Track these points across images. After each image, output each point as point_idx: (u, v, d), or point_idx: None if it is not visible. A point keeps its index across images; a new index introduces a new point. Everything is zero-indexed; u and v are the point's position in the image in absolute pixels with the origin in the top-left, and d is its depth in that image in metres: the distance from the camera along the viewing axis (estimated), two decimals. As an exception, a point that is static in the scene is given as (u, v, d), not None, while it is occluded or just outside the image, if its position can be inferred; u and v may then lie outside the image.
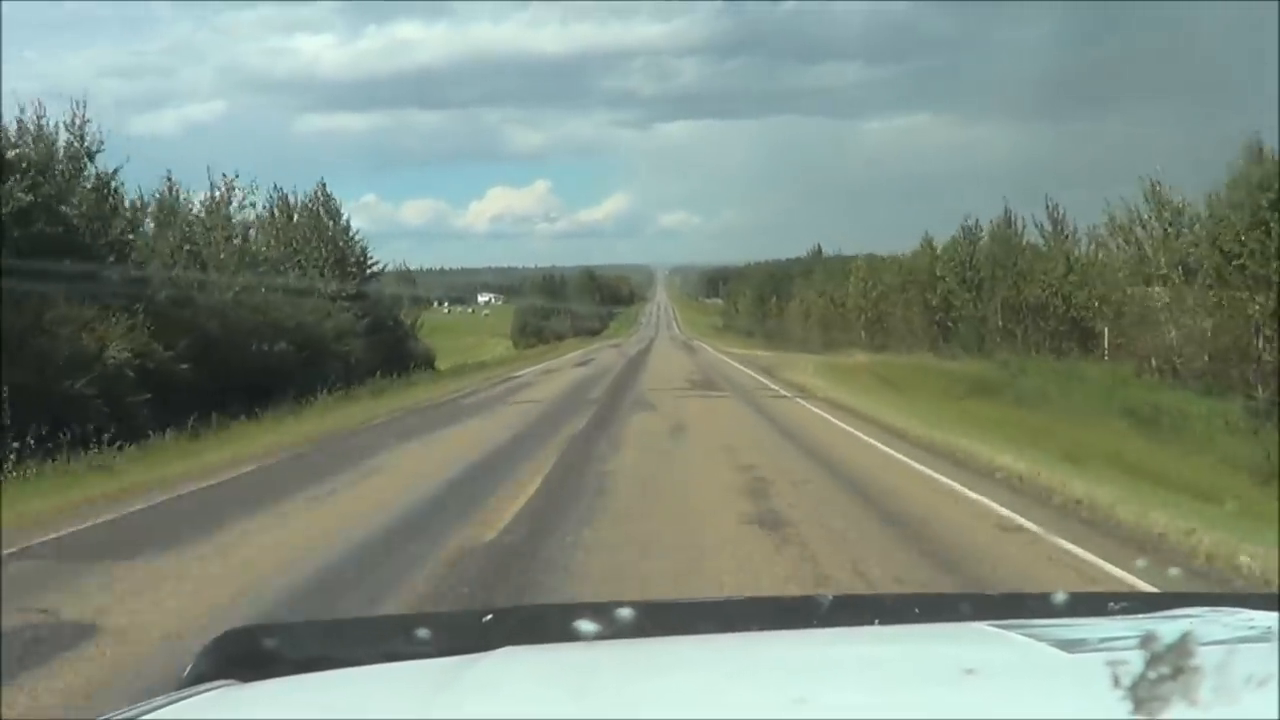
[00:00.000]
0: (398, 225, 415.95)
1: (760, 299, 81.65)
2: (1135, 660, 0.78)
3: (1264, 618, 1.24)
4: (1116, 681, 0.77)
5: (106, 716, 1.12)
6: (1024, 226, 39.58)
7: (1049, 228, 37.92)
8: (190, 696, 1.17)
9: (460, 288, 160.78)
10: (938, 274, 41.91)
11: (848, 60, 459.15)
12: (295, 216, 36.11)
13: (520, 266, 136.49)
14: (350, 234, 36.98)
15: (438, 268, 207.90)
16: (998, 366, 28.83)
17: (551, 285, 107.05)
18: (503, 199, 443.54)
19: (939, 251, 43.89)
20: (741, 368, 36.34)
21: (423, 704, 1.01)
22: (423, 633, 1.31)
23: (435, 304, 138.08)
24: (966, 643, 1.24)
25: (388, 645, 1.29)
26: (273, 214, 35.43)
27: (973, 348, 35.53)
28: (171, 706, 1.13)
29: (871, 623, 1.39)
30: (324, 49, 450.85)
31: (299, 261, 34.68)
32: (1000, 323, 37.01)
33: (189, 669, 1.29)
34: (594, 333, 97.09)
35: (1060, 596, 1.41)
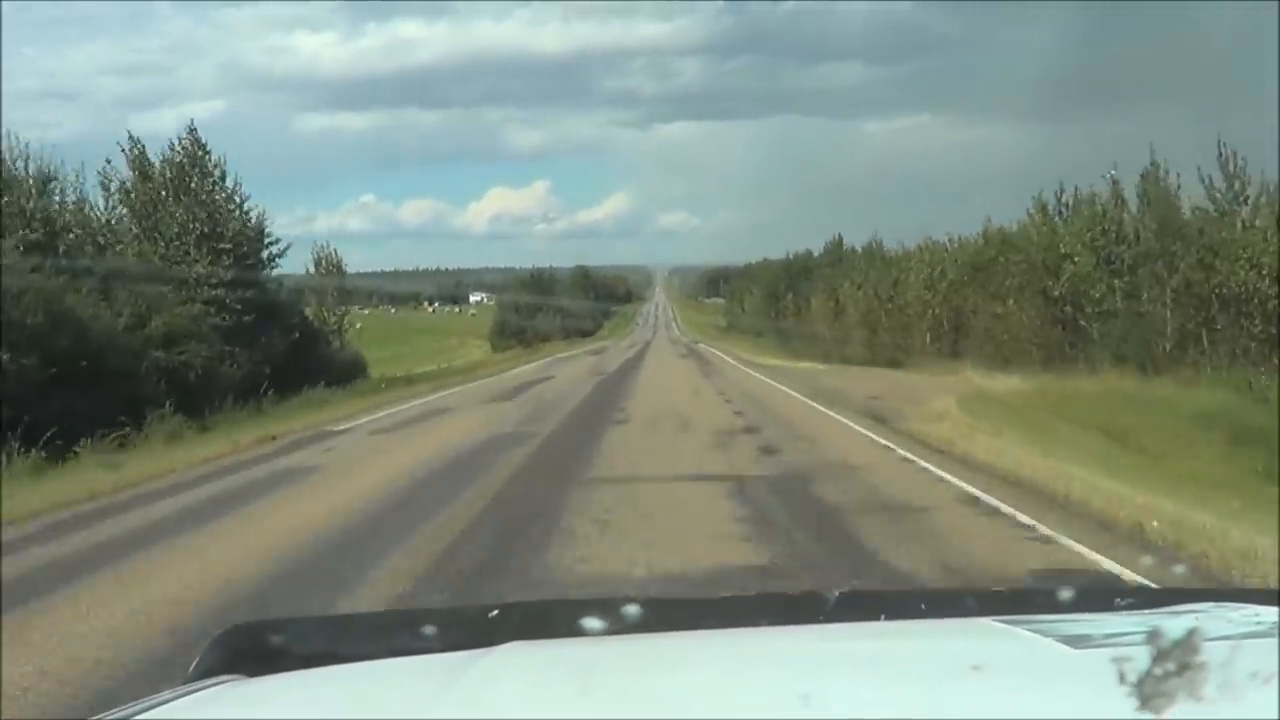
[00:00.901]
0: (397, 225, 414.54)
1: (773, 296, 68.94)
2: (1141, 656, 0.78)
3: (1269, 613, 1.23)
4: (1123, 677, 0.78)
5: (114, 712, 1.11)
6: (1178, 184, 26.95)
7: (1219, 184, 25.60)
8: (196, 691, 1.17)
9: (454, 288, 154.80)
10: (1063, 251, 28.79)
11: (848, 60, 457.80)
12: (161, 173, 26.21)
13: (518, 267, 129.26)
14: (236, 197, 27.28)
15: (434, 268, 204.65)
16: (1247, 396, 17.01)
17: (540, 283, 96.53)
18: (502, 199, 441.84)
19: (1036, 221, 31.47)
20: (814, 405, 19.72)
21: (428, 699, 1.02)
22: (428, 628, 1.31)
23: (425, 304, 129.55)
24: (973, 638, 1.25)
25: (393, 640, 1.29)
26: (133, 169, 26.37)
27: (1138, 358, 23.68)
28: (177, 701, 1.13)
29: (877, 618, 1.39)
30: (324, 47, 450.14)
31: (153, 233, 25.58)
32: (1170, 319, 24.73)
33: (195, 664, 1.29)
34: (586, 333, 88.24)
35: (1066, 593, 1.40)
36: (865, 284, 46.54)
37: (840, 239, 62.62)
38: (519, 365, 42.01)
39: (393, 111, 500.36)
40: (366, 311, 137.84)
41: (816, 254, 66.74)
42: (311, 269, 37.48)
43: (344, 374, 28.82)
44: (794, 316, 59.85)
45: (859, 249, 55.43)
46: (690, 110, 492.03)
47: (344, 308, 38.16)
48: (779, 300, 66.03)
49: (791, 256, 70.13)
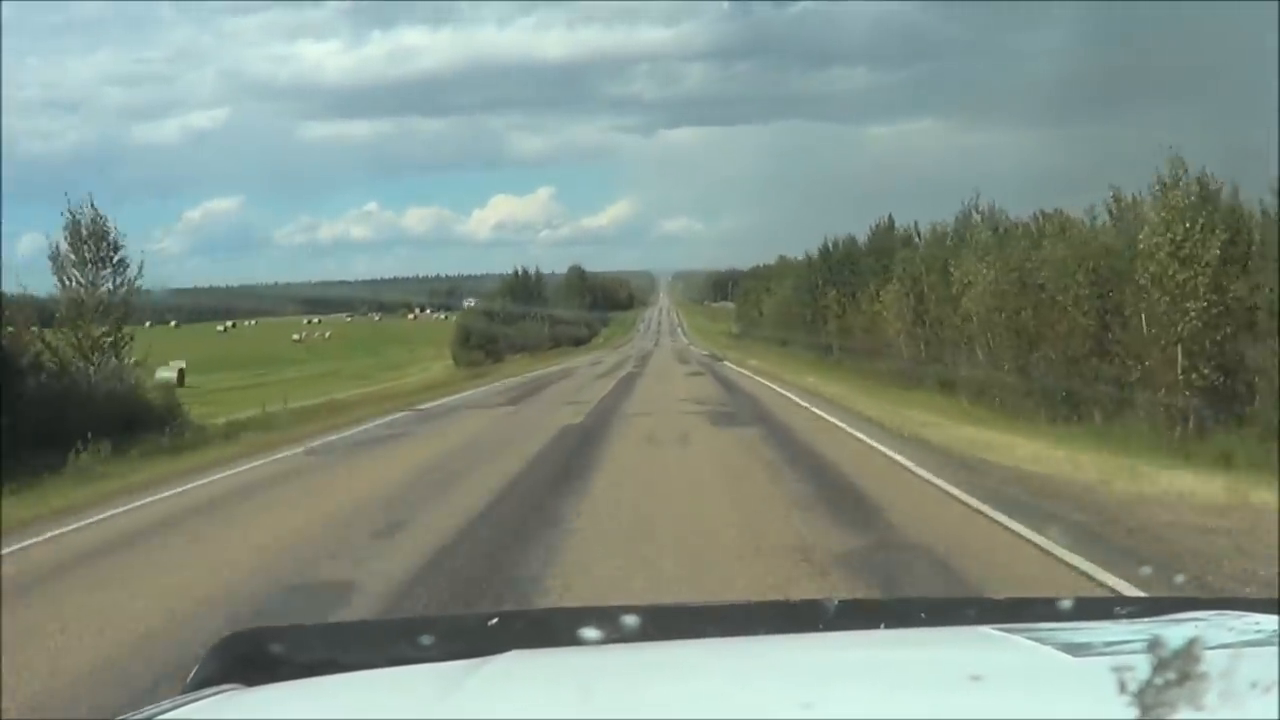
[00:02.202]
0: (400, 233, 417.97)
1: (808, 293, 53.05)
2: (1141, 665, 0.80)
3: (1270, 621, 1.25)
4: (1123, 686, 0.80)
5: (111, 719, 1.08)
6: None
7: None
8: (195, 700, 1.19)
9: (446, 295, 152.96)
10: None
11: (853, 65, 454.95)
12: None
13: (519, 272, 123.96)
14: None
15: (436, 274, 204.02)
16: None
17: (527, 286, 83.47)
18: (505, 206, 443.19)
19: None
20: None
21: (428, 708, 1.04)
22: (427, 637, 1.33)
23: (414, 311, 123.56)
24: (972, 647, 1.27)
25: (393, 649, 1.31)
26: None
27: None
28: (176, 711, 1.15)
29: (877, 627, 1.41)
30: (327, 55, 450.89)
31: None
32: None
33: (194, 673, 1.30)
34: (579, 341, 80.00)
35: (1066, 601, 1.42)
36: (997, 263, 26.51)
37: (891, 221, 47.57)
38: (389, 410, 25.49)
39: (396, 119, 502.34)
40: (349, 319, 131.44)
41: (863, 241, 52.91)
42: (63, 246, 22.86)
43: (116, 422, 18.36)
44: (837, 319, 46.85)
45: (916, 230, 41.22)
46: (694, 116, 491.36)
47: (119, 316, 22.91)
48: (815, 300, 51.46)
49: (831, 244, 53.47)
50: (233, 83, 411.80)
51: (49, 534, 10.81)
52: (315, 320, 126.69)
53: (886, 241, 45.79)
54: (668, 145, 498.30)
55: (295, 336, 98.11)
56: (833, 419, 19.38)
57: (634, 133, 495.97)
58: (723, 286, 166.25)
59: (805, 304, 53.38)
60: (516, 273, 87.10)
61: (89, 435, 16.72)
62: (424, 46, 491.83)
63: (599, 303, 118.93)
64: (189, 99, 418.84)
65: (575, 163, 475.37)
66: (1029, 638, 1.18)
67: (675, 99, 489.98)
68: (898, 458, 13.75)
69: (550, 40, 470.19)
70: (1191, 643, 0.80)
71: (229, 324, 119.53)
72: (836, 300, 47.30)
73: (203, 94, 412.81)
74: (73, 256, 22.59)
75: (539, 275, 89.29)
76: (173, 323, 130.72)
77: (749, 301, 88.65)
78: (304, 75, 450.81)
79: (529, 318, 70.87)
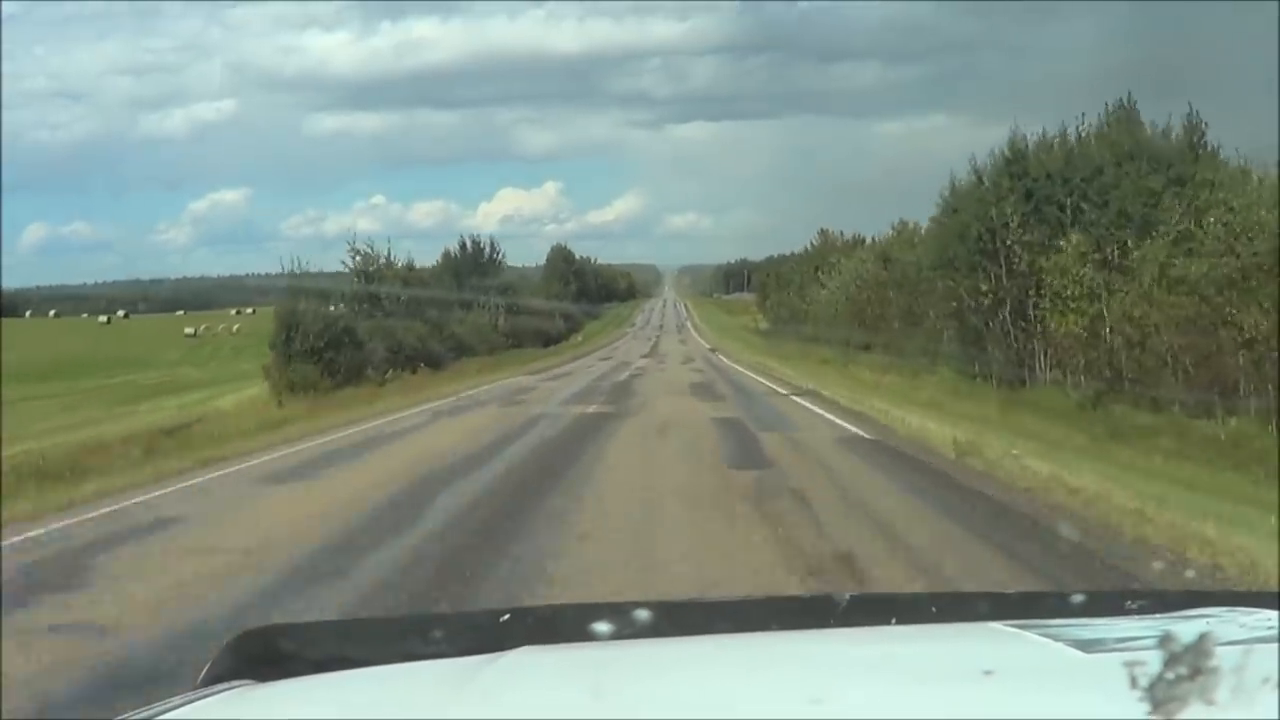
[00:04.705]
0: (407, 226, 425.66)
1: (973, 248, 29.57)
2: (1153, 660, 0.85)
3: None
4: (1134, 681, 0.84)
5: (124, 716, 1.17)
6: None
7: None
8: (207, 696, 1.24)
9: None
10: None
11: (865, 60, 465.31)
12: None
13: (523, 265, 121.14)
14: None
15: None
16: None
17: (479, 263, 62.22)
18: (512, 200, 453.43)
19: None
20: None
21: (439, 704, 1.10)
22: (439, 633, 1.39)
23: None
24: (984, 642, 1.32)
25: (404, 645, 1.36)
26: None
27: None
28: (189, 706, 1.20)
29: (888, 622, 1.46)
30: (336, 47, 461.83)
31: None
32: None
33: (206, 669, 1.35)
34: (550, 341, 65.10)
35: (1078, 596, 1.50)
36: None
37: (1131, 103, 28.98)
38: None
39: (404, 112, 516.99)
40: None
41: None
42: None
43: None
44: (1090, 300, 25.75)
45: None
46: (704, 111, 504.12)
47: None
48: (1000, 259, 28.55)
49: (1015, 147, 30.81)
50: (240, 74, 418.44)
51: None
52: (250, 311, 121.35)
53: (1139, 134, 27.24)
54: (677, 140, 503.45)
55: (189, 330, 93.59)
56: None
57: (643, 127, 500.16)
58: (736, 277, 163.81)
59: (969, 268, 29.85)
60: (464, 245, 64.06)
61: None
62: (433, 39, 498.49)
63: (589, 292, 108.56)
64: (196, 90, 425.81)
65: (583, 157, 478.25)
66: (1040, 633, 1.24)
67: (685, 94, 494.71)
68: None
69: (561, 34, 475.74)
70: (1203, 638, 0.84)
71: (119, 313, 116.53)
72: (1080, 253, 25.49)
73: (210, 85, 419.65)
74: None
75: (494, 249, 66.57)
76: (52, 313, 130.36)
77: (786, 289, 72.86)
78: (312, 67, 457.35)
79: (474, 310, 54.92)
